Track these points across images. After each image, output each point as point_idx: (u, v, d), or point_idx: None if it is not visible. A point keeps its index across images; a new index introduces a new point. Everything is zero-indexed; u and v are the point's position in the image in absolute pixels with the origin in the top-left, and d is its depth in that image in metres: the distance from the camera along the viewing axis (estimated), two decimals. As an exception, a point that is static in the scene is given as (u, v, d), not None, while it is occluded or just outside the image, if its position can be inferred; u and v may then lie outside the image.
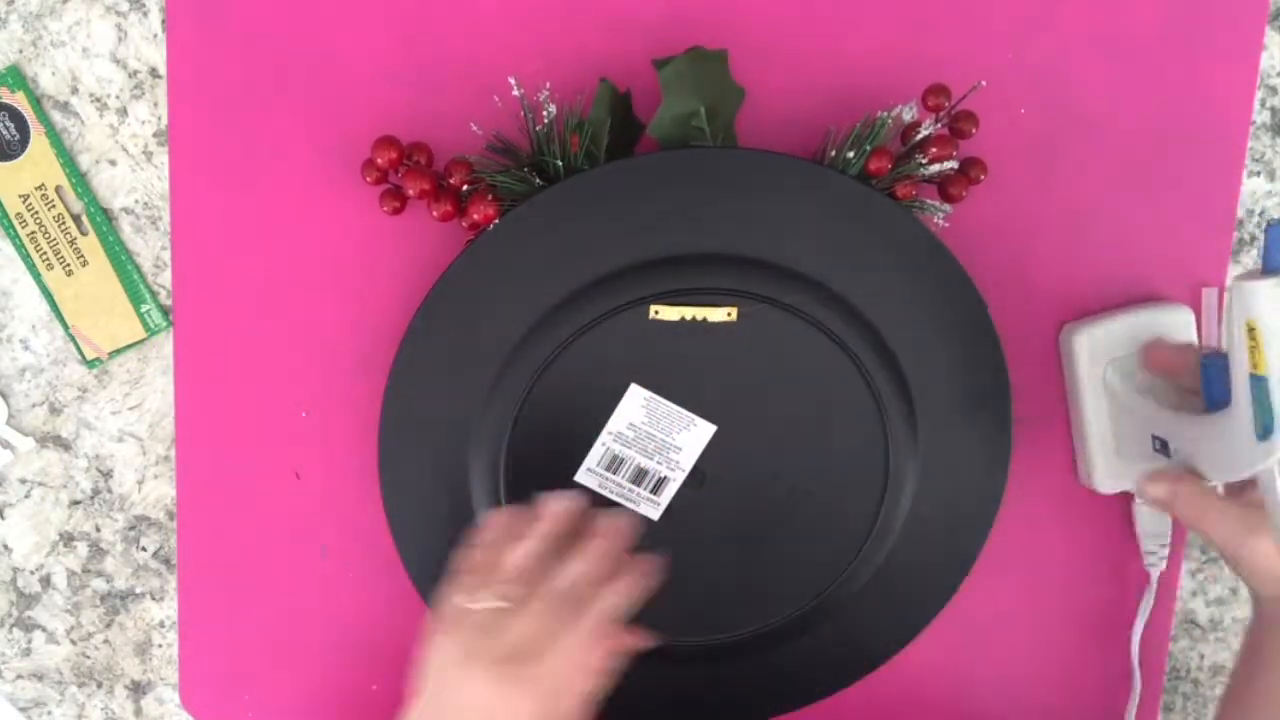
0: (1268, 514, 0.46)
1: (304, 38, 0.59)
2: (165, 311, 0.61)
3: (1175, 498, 0.53)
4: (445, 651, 0.46)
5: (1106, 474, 0.60)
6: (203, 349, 0.61)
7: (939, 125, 0.58)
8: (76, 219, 0.60)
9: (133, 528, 0.63)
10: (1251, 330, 0.44)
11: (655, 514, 0.59)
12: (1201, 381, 0.51)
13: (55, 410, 0.61)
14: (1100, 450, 0.60)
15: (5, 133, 0.59)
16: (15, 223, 0.59)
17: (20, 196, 0.59)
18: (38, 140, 0.59)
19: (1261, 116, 0.62)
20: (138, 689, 0.65)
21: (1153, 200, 0.62)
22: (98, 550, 0.63)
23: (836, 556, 0.60)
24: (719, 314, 0.57)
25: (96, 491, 0.62)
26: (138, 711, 0.65)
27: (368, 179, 0.57)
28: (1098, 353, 0.59)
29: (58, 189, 0.59)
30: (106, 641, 0.64)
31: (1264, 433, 0.44)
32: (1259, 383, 0.43)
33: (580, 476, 0.58)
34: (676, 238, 0.56)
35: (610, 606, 0.47)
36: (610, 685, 0.48)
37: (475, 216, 0.55)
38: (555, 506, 0.50)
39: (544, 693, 0.44)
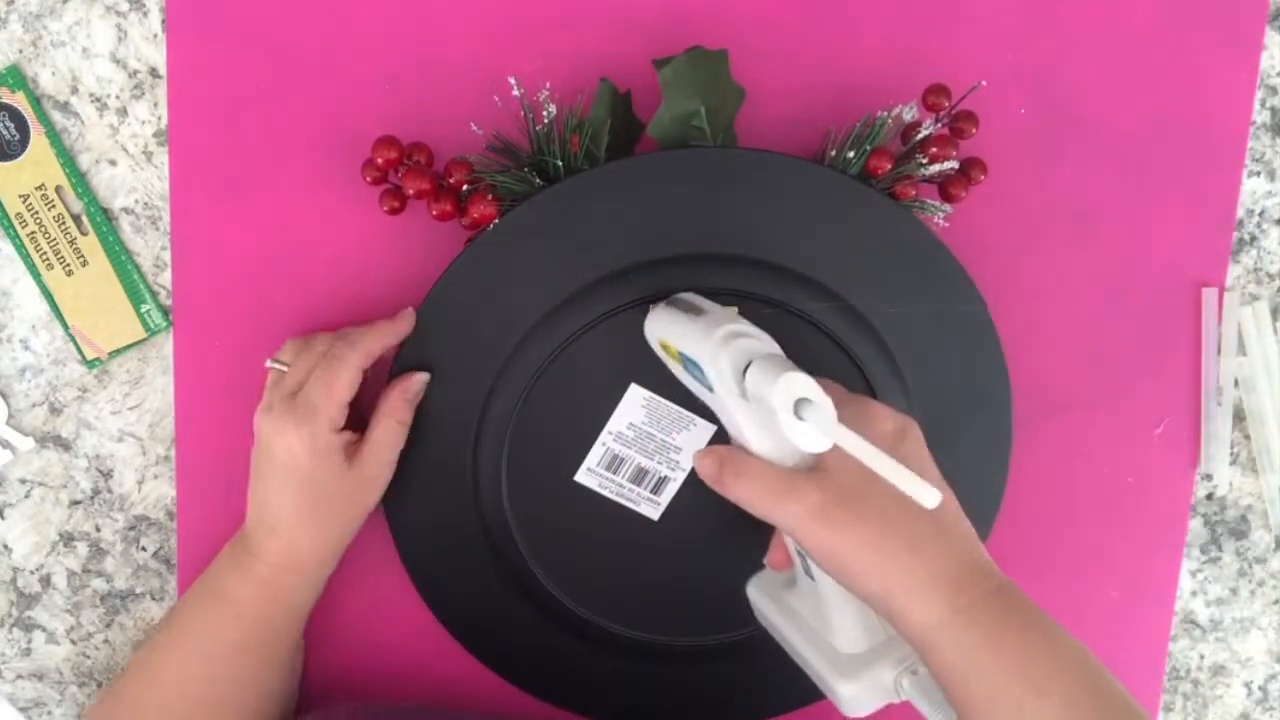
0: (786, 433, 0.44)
1: (304, 38, 0.59)
2: (165, 311, 0.61)
3: (721, 468, 0.48)
4: (259, 413, 0.56)
5: None
6: (203, 349, 0.60)
7: (939, 125, 0.58)
8: (76, 219, 0.60)
9: (133, 528, 0.63)
10: (664, 345, 0.53)
11: (655, 514, 0.59)
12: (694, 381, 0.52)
13: (55, 410, 0.61)
14: None
15: (5, 133, 0.59)
16: (15, 223, 0.59)
17: (20, 196, 0.59)
18: (38, 140, 0.59)
19: (1261, 116, 0.62)
20: (138, 689, 0.65)
21: (1153, 200, 0.62)
22: (98, 550, 0.63)
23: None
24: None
25: (96, 491, 0.62)
26: (138, 711, 0.65)
27: (367, 179, 0.57)
28: None
29: (58, 189, 0.59)
30: (106, 641, 0.64)
31: (742, 392, 0.47)
32: (689, 362, 0.50)
33: (580, 476, 0.58)
34: (676, 238, 0.56)
35: (361, 342, 0.55)
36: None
37: (475, 216, 0.55)
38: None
39: (301, 416, 0.54)
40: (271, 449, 0.55)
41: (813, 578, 0.50)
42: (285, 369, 0.56)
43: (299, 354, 0.57)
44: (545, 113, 0.55)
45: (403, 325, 0.57)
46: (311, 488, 0.55)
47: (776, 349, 0.48)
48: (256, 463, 0.56)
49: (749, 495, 0.47)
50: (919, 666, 0.48)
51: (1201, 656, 0.66)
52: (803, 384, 0.44)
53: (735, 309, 0.57)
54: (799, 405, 0.44)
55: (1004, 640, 0.43)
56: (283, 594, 0.57)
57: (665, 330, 0.53)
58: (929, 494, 0.40)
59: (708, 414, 0.58)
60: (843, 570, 0.46)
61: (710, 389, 0.49)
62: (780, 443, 0.47)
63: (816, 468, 0.46)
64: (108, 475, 0.62)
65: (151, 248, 0.60)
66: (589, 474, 0.59)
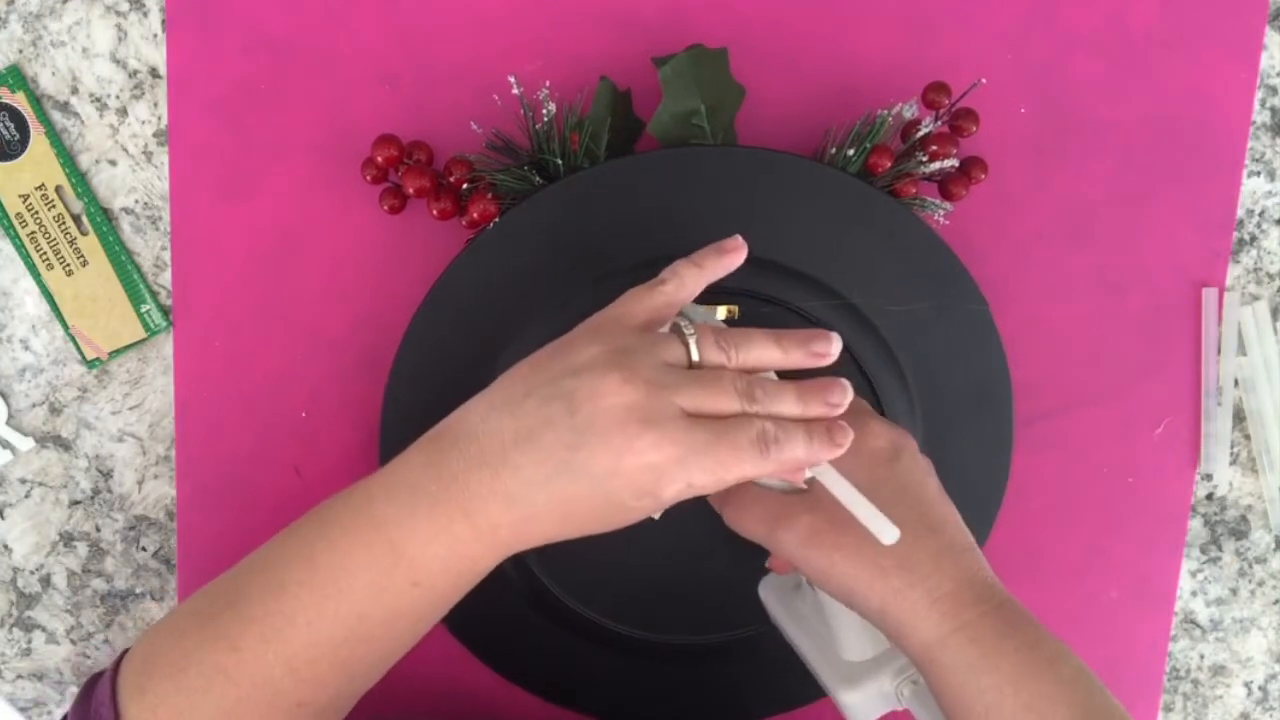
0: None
1: (304, 38, 0.59)
2: (165, 311, 0.61)
3: (722, 496, 0.47)
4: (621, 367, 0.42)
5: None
6: (203, 349, 0.60)
7: (939, 123, 0.58)
8: (76, 219, 0.60)
9: (133, 528, 0.63)
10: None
11: (654, 514, 0.59)
12: None
13: (55, 410, 0.61)
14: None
15: (5, 133, 0.59)
16: (15, 223, 0.59)
17: (20, 196, 0.59)
18: (38, 140, 0.59)
19: (1261, 116, 0.62)
20: (137, 689, 0.65)
21: (1153, 200, 0.62)
22: (98, 550, 0.63)
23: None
24: (719, 313, 0.57)
25: (96, 491, 0.62)
26: (137, 712, 0.65)
27: (368, 177, 0.57)
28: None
29: (58, 189, 0.59)
30: (106, 641, 0.64)
31: None
32: None
33: (580, 476, 0.58)
34: (676, 237, 0.56)
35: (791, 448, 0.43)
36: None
37: (475, 215, 0.55)
38: None
39: (716, 433, 0.42)
40: (616, 462, 0.41)
41: (814, 588, 0.50)
42: (694, 359, 0.44)
43: (755, 388, 0.43)
44: (545, 111, 0.55)
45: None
46: (600, 513, 0.43)
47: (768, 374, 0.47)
48: (558, 413, 0.41)
49: (740, 521, 0.47)
50: (920, 676, 0.49)
51: (1201, 656, 0.66)
52: None
53: (736, 309, 0.57)
54: None
55: (1001, 659, 0.43)
56: (473, 568, 0.44)
57: None
58: (888, 531, 0.41)
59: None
60: (839, 591, 0.46)
61: None
62: None
63: (810, 489, 0.46)
64: (108, 475, 0.62)
65: (151, 248, 0.60)
66: (589, 473, 0.58)
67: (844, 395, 0.44)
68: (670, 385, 0.42)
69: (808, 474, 0.44)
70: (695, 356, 0.44)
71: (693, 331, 0.44)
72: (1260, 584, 0.66)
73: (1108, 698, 0.44)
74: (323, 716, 0.47)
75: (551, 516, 0.43)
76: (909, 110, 0.58)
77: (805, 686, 0.52)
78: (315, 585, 0.44)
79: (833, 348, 0.45)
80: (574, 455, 0.41)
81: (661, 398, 0.41)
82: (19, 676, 0.64)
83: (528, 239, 0.55)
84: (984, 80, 0.58)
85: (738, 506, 0.47)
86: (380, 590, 0.44)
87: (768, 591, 0.56)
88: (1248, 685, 0.67)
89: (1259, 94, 0.62)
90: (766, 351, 0.45)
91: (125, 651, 0.47)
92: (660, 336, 0.44)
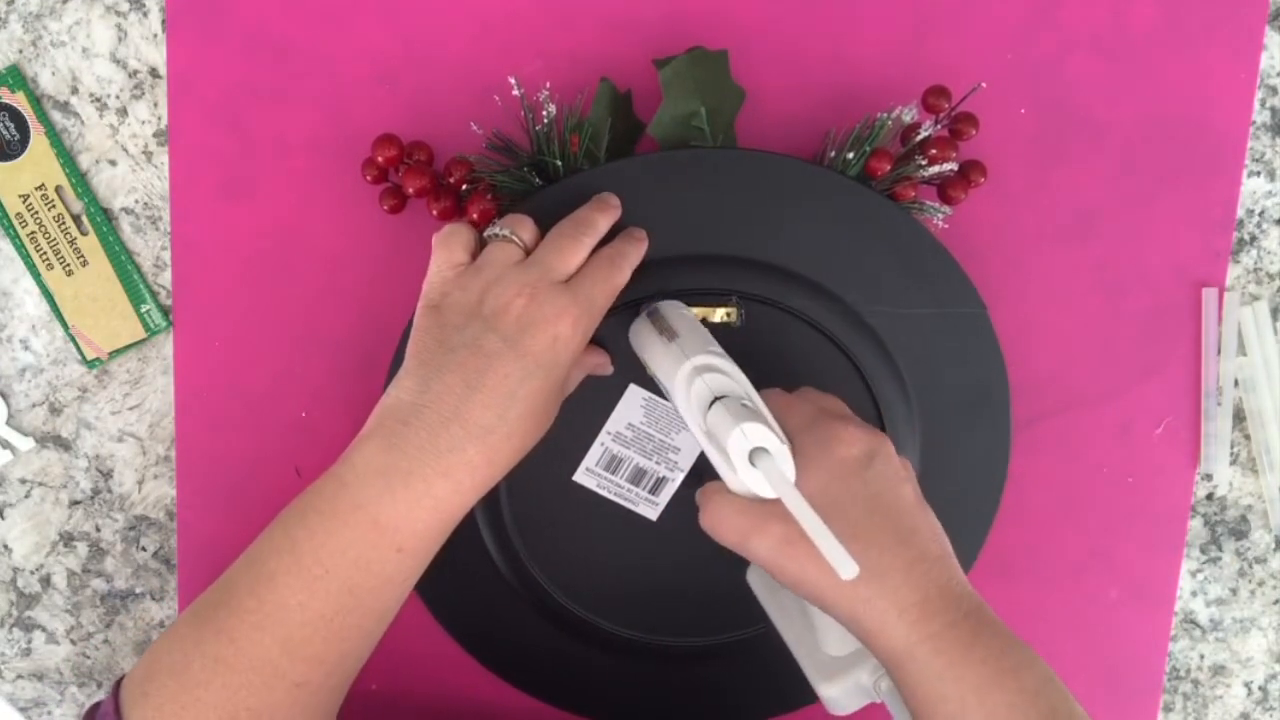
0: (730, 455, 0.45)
1: (304, 38, 0.59)
2: (165, 311, 0.61)
3: (701, 503, 0.48)
4: (478, 280, 0.49)
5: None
6: (203, 349, 0.61)
7: (939, 127, 0.58)
8: (76, 219, 0.60)
9: (133, 528, 0.63)
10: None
11: (654, 514, 0.59)
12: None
13: (55, 410, 0.61)
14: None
15: (5, 133, 0.59)
16: (15, 223, 0.59)
17: (20, 196, 0.59)
18: (38, 140, 0.59)
19: (1261, 116, 0.62)
20: (138, 689, 0.65)
21: (1153, 200, 0.62)
22: (98, 550, 0.63)
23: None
24: (719, 314, 0.57)
25: (96, 491, 0.62)
26: (138, 711, 0.65)
27: (368, 177, 0.57)
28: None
29: (58, 189, 0.59)
30: (106, 641, 0.64)
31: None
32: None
33: (579, 476, 0.58)
34: (676, 238, 0.56)
35: (635, 249, 0.53)
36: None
37: (475, 215, 0.55)
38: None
39: (583, 306, 0.48)
40: (526, 334, 0.46)
41: None
42: (528, 243, 0.50)
43: (556, 237, 0.50)
44: (545, 112, 0.55)
45: (644, 242, 0.54)
46: (556, 390, 0.48)
47: (744, 386, 0.48)
48: (472, 346, 0.47)
49: (714, 527, 0.48)
50: None
51: (1201, 656, 0.66)
52: (759, 434, 0.45)
53: (735, 311, 0.57)
54: (754, 454, 0.45)
55: (966, 670, 0.44)
56: (451, 512, 0.47)
57: (641, 348, 0.54)
58: (847, 566, 0.41)
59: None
60: (810, 597, 0.47)
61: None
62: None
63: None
64: (108, 475, 0.62)
65: (151, 248, 0.60)
66: (587, 474, 0.59)
67: (609, 201, 0.53)
68: (537, 272, 0.48)
69: (773, 494, 0.45)
70: (527, 238, 0.50)
71: (505, 229, 0.50)
72: (1260, 584, 0.66)
73: (1072, 705, 0.45)
74: (319, 696, 0.48)
75: (522, 425, 0.47)
76: (909, 114, 0.58)
77: (804, 688, 0.53)
78: (302, 570, 0.46)
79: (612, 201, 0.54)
80: (521, 361, 0.46)
81: (540, 279, 0.48)
82: (19, 676, 0.64)
83: (527, 240, 0.55)
84: (984, 84, 0.58)
85: (713, 514, 0.48)
86: (368, 563, 0.46)
87: (755, 578, 0.56)
88: (1248, 685, 0.67)
89: (1259, 94, 0.62)
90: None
91: (122, 677, 0.48)
92: (493, 249, 0.50)
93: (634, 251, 0.53)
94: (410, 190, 0.56)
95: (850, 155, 0.56)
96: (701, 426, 0.48)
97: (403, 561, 0.47)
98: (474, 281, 0.49)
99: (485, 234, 0.51)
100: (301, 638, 0.46)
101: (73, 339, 0.60)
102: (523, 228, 0.51)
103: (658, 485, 0.59)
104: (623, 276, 0.51)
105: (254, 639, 0.46)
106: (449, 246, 0.51)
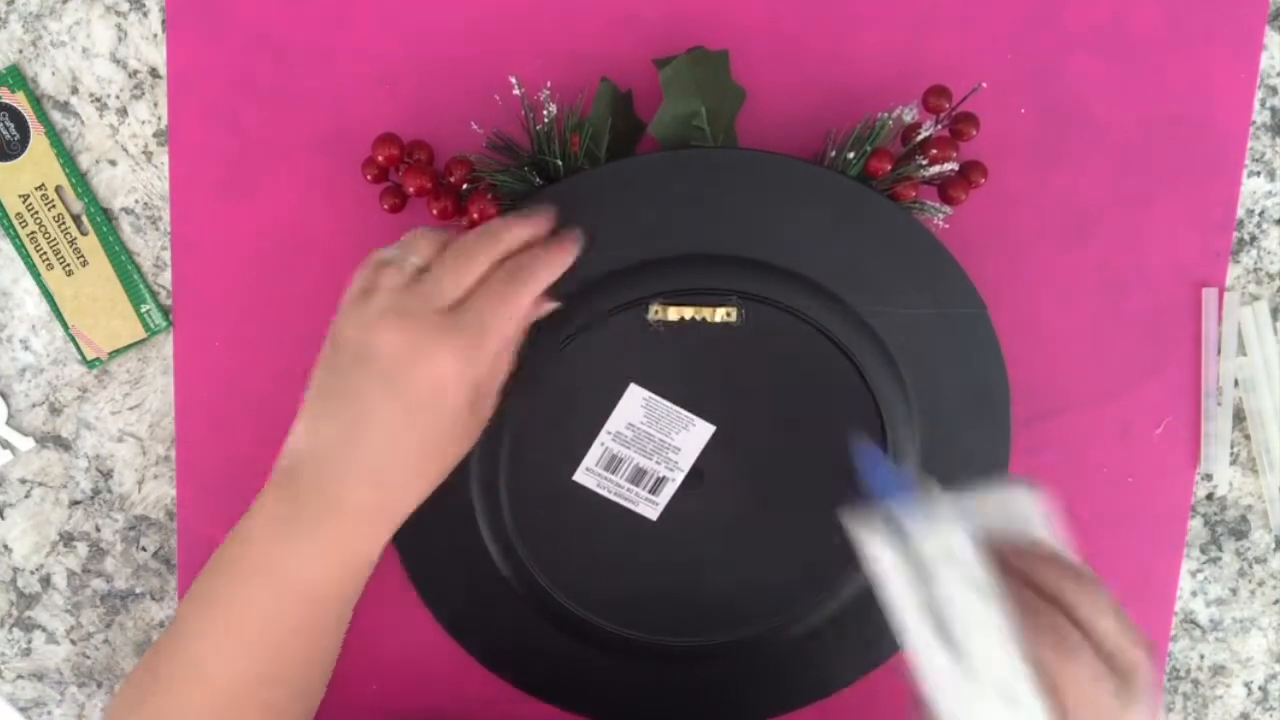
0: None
1: (304, 38, 0.59)
2: (165, 311, 0.61)
3: None
4: (369, 317, 0.46)
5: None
6: (203, 349, 0.61)
7: (939, 127, 0.58)
8: (76, 219, 0.60)
9: (133, 528, 0.63)
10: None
11: (654, 514, 0.59)
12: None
13: (55, 410, 0.61)
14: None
15: (5, 133, 0.59)
16: (15, 223, 0.59)
17: (20, 196, 0.59)
18: (38, 140, 0.59)
19: (1261, 116, 0.62)
20: (138, 689, 0.65)
21: (1153, 200, 0.62)
22: (98, 550, 0.63)
23: (836, 556, 0.60)
24: (719, 314, 0.57)
25: (96, 491, 0.62)
26: (138, 711, 0.65)
27: (368, 177, 0.57)
28: None
29: (58, 189, 0.59)
30: (106, 641, 0.64)
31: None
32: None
33: (579, 476, 0.58)
34: (676, 238, 0.56)
35: (547, 264, 0.48)
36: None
37: (475, 215, 0.55)
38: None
39: (469, 338, 0.45)
40: (404, 373, 0.44)
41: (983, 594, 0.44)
42: (418, 265, 0.46)
43: (448, 255, 0.46)
44: (546, 112, 0.55)
45: (568, 252, 0.49)
46: (452, 425, 0.45)
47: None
48: (354, 388, 0.44)
49: None
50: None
51: (1201, 656, 0.66)
52: None
53: (735, 311, 0.57)
54: None
55: None
56: (360, 558, 0.46)
57: (888, 601, 0.45)
58: None
59: (707, 415, 0.58)
60: None
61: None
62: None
63: None
64: (108, 475, 0.62)
65: (151, 248, 0.60)
66: (587, 474, 0.58)
67: (533, 212, 0.49)
68: (418, 300, 0.45)
69: None
70: (417, 261, 0.46)
71: (392, 250, 0.47)
72: (1260, 584, 0.66)
73: None
74: None
75: (417, 465, 0.46)
76: (909, 114, 0.58)
77: (805, 688, 0.53)
78: (219, 629, 0.46)
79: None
80: (402, 400, 0.44)
81: (420, 308, 0.44)
82: (19, 676, 0.64)
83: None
84: (984, 85, 0.58)
85: None
86: (280, 616, 0.46)
87: (870, 532, 0.46)
88: (1248, 685, 0.67)
89: (1259, 94, 0.62)
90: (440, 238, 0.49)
91: None
92: (380, 274, 0.47)
93: (541, 264, 0.48)
94: (410, 190, 0.56)
95: (851, 155, 0.56)
96: None
97: (315, 612, 0.47)
98: (358, 314, 0.46)
99: (377, 255, 0.48)
100: (242, 702, 0.46)
101: (73, 339, 0.60)
102: (417, 247, 0.47)
103: (658, 485, 0.59)
104: (525, 295, 0.46)
105: (186, 698, 0.46)
106: (365, 267, 0.49)
